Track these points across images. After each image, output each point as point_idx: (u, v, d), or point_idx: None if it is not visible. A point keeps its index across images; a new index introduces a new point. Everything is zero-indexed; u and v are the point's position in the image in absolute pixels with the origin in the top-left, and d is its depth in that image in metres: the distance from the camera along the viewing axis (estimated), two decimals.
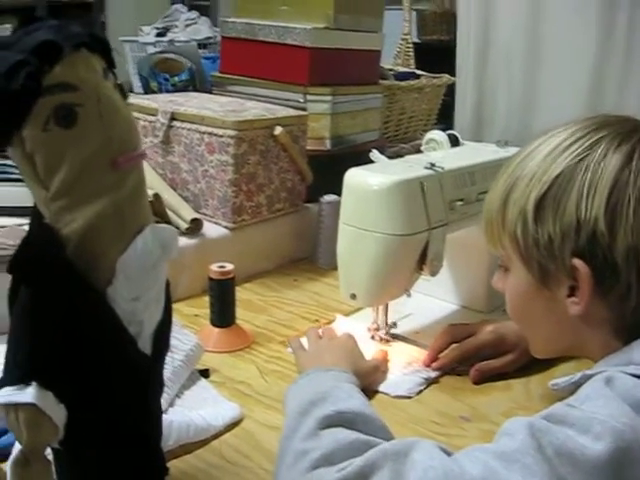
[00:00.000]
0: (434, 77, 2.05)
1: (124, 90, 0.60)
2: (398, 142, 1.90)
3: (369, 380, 0.94)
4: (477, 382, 0.98)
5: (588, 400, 0.62)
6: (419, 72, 2.11)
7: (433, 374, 1.00)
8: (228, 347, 1.06)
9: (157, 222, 1.22)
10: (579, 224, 0.67)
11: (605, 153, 0.68)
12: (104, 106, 0.56)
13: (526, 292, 0.76)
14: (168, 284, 0.66)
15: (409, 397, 0.95)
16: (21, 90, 0.51)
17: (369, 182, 0.96)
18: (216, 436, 0.84)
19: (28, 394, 0.56)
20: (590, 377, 0.66)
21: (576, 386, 0.67)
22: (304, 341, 1.03)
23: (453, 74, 2.16)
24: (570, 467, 0.56)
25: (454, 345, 1.03)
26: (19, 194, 1.10)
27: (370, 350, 1.03)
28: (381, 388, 0.97)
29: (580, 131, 0.72)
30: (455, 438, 0.84)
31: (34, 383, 0.56)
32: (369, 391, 0.92)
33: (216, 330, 1.07)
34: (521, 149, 0.77)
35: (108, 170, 0.57)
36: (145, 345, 0.63)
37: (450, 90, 2.17)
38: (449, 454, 0.62)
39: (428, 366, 1.01)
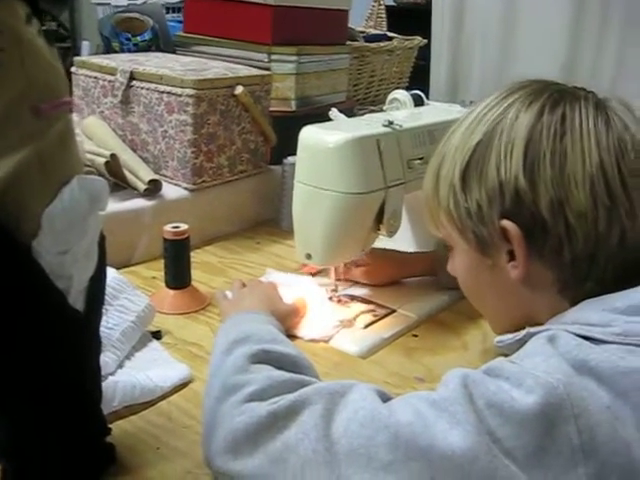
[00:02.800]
0: (406, 39, 2.02)
1: (50, 37, 0.58)
2: (369, 105, 1.88)
3: (287, 324, 0.95)
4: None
5: (527, 357, 0.61)
6: (391, 34, 2.07)
7: (352, 317, 1.03)
8: (182, 309, 1.04)
9: (115, 184, 1.23)
10: (502, 186, 0.68)
11: (517, 114, 0.69)
12: (26, 51, 0.54)
13: (471, 266, 0.77)
14: (103, 239, 0.63)
15: (325, 341, 0.97)
16: None
17: (324, 139, 0.94)
18: (164, 397, 0.83)
19: None
20: (534, 335, 0.65)
21: (521, 344, 0.66)
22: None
23: (426, 37, 2.13)
24: (499, 419, 0.55)
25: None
26: None
27: (326, 311, 1.03)
28: (298, 333, 0.98)
29: (494, 100, 0.73)
30: None
31: None
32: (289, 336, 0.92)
33: (171, 292, 1.05)
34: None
35: (30, 117, 0.55)
36: (76, 301, 0.61)
37: (424, 54, 2.15)
38: (389, 398, 0.63)
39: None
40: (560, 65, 1.99)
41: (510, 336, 0.72)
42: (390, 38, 2.01)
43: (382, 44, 1.88)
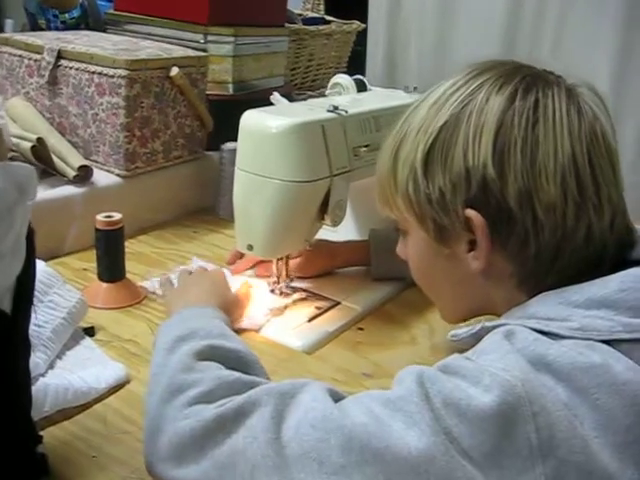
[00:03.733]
0: (344, 23, 1.98)
1: None
2: (306, 90, 1.84)
3: (233, 316, 0.91)
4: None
5: (484, 354, 0.59)
6: (328, 18, 2.03)
7: (281, 304, 1.00)
8: (117, 303, 0.98)
9: (43, 170, 1.15)
10: (468, 172, 0.63)
11: (487, 97, 0.64)
12: None
13: (426, 253, 0.72)
14: (31, 232, 0.58)
15: (255, 330, 0.95)
16: None
17: (267, 124, 0.89)
18: (99, 400, 0.78)
19: None
20: (490, 329, 0.63)
21: (476, 339, 0.64)
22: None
23: (363, 22, 2.10)
24: (456, 418, 0.53)
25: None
26: None
27: (268, 303, 0.99)
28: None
29: (462, 79, 0.68)
30: None
31: None
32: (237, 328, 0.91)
33: (104, 285, 0.99)
34: (410, 105, 0.73)
35: None
36: (2, 301, 0.55)
37: (361, 39, 2.12)
38: (342, 397, 0.60)
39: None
40: (499, 49, 1.99)
41: (465, 329, 0.69)
42: (328, 22, 1.98)
43: (321, 27, 1.84)
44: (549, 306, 0.62)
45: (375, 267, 1.09)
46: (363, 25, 2.05)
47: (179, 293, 0.92)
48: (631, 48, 1.73)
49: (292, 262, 1.07)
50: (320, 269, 1.11)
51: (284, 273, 1.03)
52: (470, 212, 0.64)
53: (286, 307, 1.00)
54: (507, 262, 0.66)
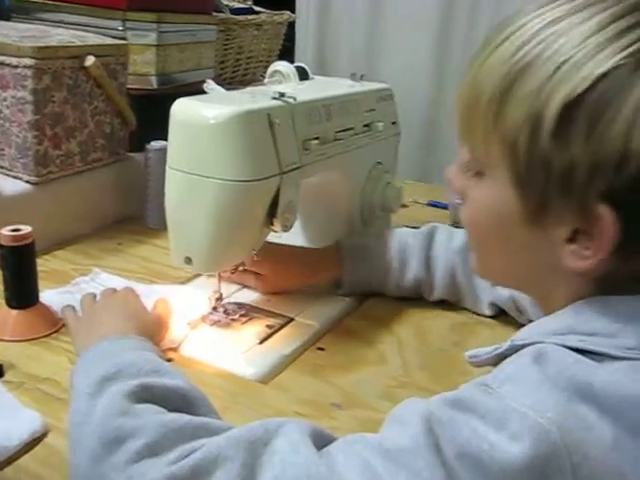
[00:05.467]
0: (275, 14, 1.85)
1: None
2: (237, 84, 1.70)
3: (159, 337, 0.80)
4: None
5: (509, 381, 0.47)
6: (257, 8, 1.90)
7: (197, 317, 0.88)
8: (30, 334, 0.82)
9: None
10: (624, 158, 0.45)
11: None
12: None
13: (504, 216, 0.54)
14: None
15: (173, 348, 0.82)
16: None
17: (203, 114, 0.75)
18: (10, 461, 0.62)
19: None
20: (517, 349, 0.50)
21: (499, 358, 0.52)
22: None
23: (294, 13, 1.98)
24: (473, 473, 0.43)
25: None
26: None
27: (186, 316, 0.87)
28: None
29: (624, 12, 0.48)
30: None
31: None
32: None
33: (13, 312, 0.83)
34: (526, 16, 0.52)
35: None
36: None
37: (287, 34, 2.01)
38: (328, 440, 0.50)
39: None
40: (432, 40, 1.91)
41: (488, 349, 0.55)
42: (256, 12, 1.84)
43: (250, 17, 1.71)
44: (593, 317, 0.50)
45: (346, 279, 0.96)
46: (294, 16, 1.93)
47: (88, 322, 0.77)
48: None
49: (253, 277, 0.94)
50: (291, 284, 0.96)
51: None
52: (604, 210, 0.47)
53: (297, 356, 0.83)
54: (610, 268, 0.50)
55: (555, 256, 0.51)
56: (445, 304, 0.96)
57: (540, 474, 0.42)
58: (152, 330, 0.77)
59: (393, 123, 1.11)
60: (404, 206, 1.27)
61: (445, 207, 1.36)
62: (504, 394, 0.46)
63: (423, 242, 0.96)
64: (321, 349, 0.84)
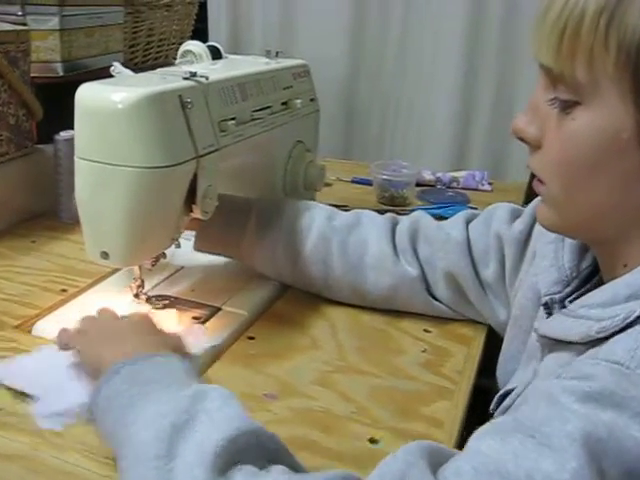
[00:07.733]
0: None
1: None
2: (149, 69, 1.63)
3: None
4: None
5: None
6: None
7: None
8: None
9: None
10: None
11: None
12: None
13: (617, 142, 0.49)
14: None
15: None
16: None
17: (110, 98, 0.71)
18: None
19: None
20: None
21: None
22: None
23: None
24: None
25: None
26: None
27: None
28: None
29: None
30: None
31: None
32: None
33: None
34: None
35: None
36: None
37: (202, 16, 1.96)
38: (440, 460, 0.43)
39: None
40: (346, 11, 1.87)
41: (618, 318, 0.47)
42: None
43: None
44: None
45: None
46: None
47: (108, 341, 0.68)
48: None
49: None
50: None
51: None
52: None
53: (226, 347, 0.79)
54: None
55: None
56: None
57: None
58: (178, 350, 0.68)
59: (312, 100, 1.08)
60: (327, 184, 1.24)
61: (369, 183, 1.34)
62: None
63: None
64: (251, 338, 0.81)
